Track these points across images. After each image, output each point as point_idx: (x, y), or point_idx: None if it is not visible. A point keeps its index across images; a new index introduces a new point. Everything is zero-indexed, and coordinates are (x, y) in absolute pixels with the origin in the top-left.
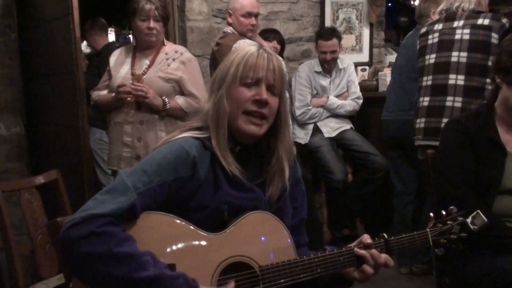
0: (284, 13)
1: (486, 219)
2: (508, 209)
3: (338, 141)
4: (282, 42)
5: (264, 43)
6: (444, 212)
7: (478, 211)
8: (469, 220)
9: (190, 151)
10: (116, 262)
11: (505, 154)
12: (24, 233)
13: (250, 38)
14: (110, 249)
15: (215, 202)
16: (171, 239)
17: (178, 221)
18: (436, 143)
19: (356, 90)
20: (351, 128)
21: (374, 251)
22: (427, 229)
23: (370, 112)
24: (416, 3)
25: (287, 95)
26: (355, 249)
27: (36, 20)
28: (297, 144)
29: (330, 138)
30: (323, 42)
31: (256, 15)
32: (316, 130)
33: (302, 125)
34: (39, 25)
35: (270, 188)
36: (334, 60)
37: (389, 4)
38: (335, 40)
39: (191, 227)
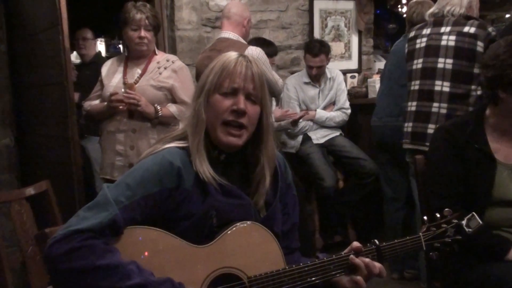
0: (273, 21)
1: (481, 222)
2: (499, 219)
3: (328, 148)
4: None
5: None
6: (438, 215)
7: (473, 213)
8: (464, 222)
9: (174, 162)
10: (101, 275)
11: (495, 165)
12: (15, 245)
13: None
14: (93, 262)
15: (203, 209)
16: (158, 253)
17: (164, 234)
18: (423, 148)
19: (345, 101)
20: (341, 134)
21: (368, 260)
22: (420, 234)
23: (359, 119)
24: (404, 9)
25: (274, 103)
26: (351, 256)
27: (25, 31)
28: (288, 153)
29: (320, 145)
30: (310, 57)
31: None
32: (306, 138)
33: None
34: (29, 36)
35: (255, 196)
36: (321, 73)
37: (378, 11)
38: (322, 56)
39: (178, 240)
